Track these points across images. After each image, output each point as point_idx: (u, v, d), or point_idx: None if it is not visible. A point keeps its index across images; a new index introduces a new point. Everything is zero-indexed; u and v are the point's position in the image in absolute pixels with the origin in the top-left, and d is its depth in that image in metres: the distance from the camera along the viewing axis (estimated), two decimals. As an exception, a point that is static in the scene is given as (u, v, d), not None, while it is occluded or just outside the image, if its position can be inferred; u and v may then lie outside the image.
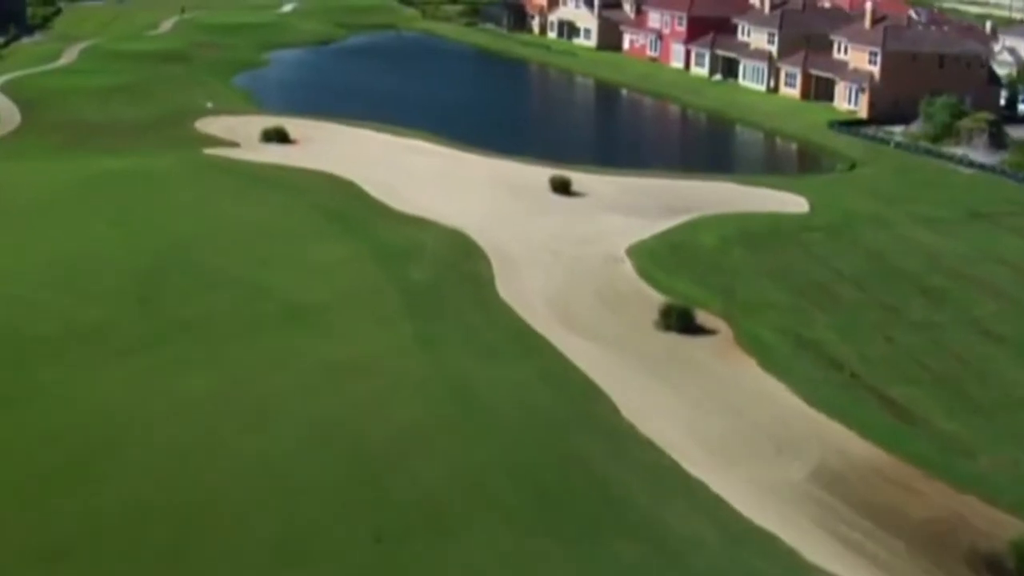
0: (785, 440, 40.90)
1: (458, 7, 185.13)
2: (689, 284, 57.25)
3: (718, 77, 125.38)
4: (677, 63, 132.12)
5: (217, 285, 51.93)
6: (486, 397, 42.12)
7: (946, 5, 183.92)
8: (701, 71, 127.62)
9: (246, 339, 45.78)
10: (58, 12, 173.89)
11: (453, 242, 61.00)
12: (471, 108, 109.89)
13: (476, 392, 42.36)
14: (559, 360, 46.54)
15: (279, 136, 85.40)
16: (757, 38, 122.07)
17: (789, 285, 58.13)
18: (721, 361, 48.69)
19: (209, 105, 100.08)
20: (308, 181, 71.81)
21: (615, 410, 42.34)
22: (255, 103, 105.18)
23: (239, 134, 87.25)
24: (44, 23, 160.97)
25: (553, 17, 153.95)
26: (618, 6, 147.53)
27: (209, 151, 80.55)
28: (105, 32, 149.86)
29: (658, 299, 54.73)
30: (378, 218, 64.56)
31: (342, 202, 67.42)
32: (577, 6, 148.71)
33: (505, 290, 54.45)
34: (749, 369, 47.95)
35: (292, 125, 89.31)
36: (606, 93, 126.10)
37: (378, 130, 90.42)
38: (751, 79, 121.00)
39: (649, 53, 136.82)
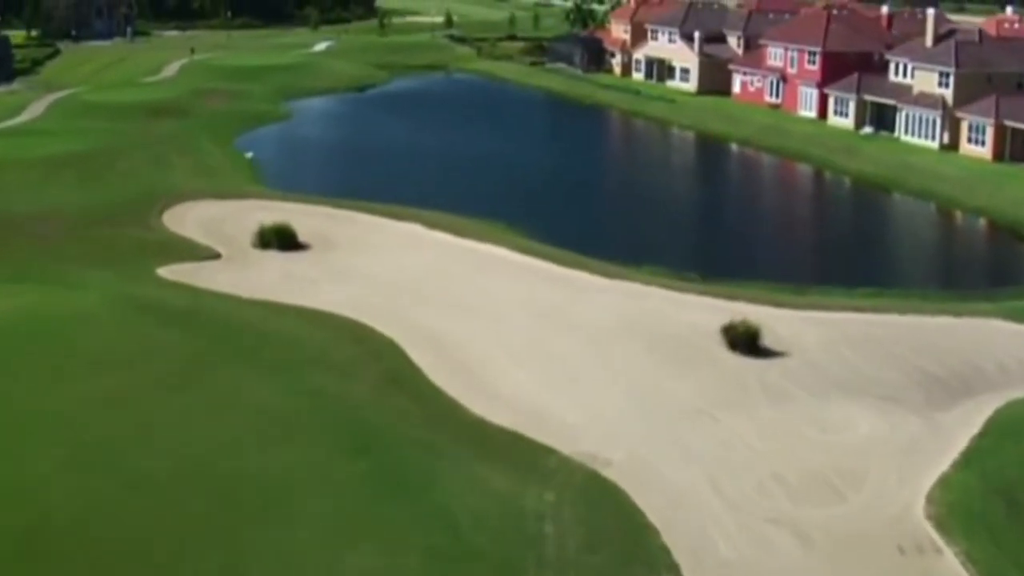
0: None
1: (519, 44, 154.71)
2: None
3: (868, 130, 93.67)
4: (807, 111, 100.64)
5: None
6: None
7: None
8: (842, 122, 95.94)
9: None
10: (55, 54, 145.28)
11: (593, 510, 29.44)
12: (554, 180, 78.79)
13: None
14: None
15: (282, 239, 54.68)
16: (923, 79, 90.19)
17: None
18: None
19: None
20: (316, 343, 40.48)
21: None
22: (260, 176, 74.70)
23: (225, 234, 56.66)
24: (32, 67, 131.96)
25: (639, 54, 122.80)
26: (721, 39, 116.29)
27: (167, 271, 49.70)
28: (97, 78, 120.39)
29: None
30: (443, 443, 32.99)
31: (372, 398, 35.96)
32: (671, 40, 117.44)
33: None
34: None
35: (305, 216, 58.88)
36: (723, 153, 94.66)
37: (430, 225, 59.13)
38: (916, 133, 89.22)
39: (768, 99, 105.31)
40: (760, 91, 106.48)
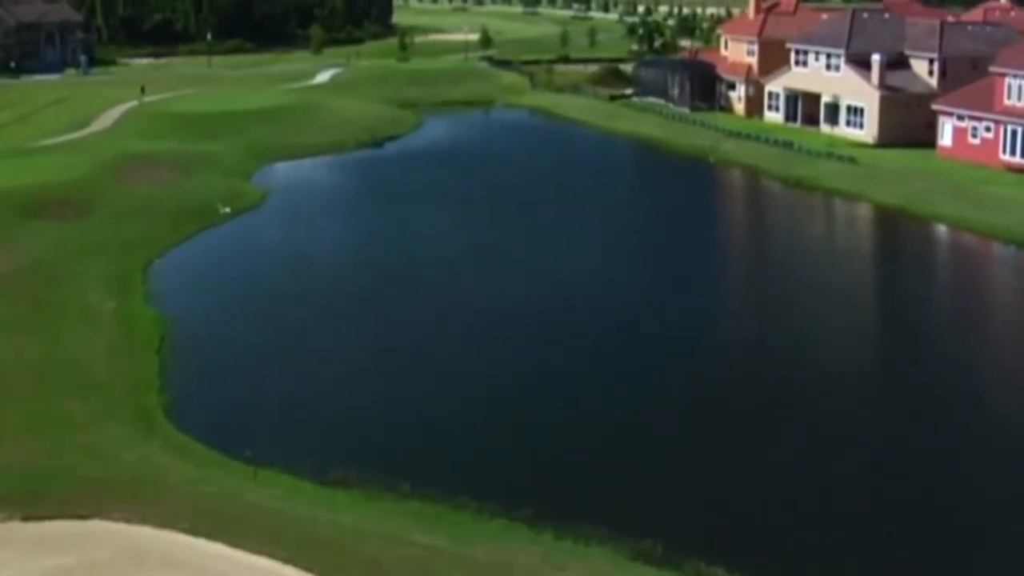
0: None
1: (579, 68, 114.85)
2: None
3: None
4: (1086, 180, 60.64)
5: None
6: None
7: None
8: None
9: None
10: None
11: None
12: (741, 374, 38.75)
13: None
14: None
15: None
16: None
17: None
18: None
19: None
20: None
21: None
22: (172, 391, 34.84)
23: None
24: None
25: (775, 86, 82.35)
26: (901, 64, 76.18)
27: None
28: (6, 133, 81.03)
29: None
30: None
31: None
32: (831, 67, 77.02)
33: None
34: None
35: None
36: (1002, 268, 54.58)
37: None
38: None
39: (1006, 158, 65.28)
40: (991, 146, 66.32)
